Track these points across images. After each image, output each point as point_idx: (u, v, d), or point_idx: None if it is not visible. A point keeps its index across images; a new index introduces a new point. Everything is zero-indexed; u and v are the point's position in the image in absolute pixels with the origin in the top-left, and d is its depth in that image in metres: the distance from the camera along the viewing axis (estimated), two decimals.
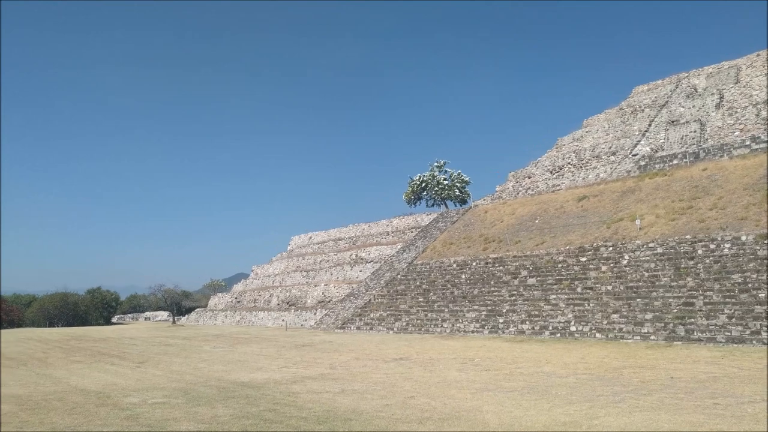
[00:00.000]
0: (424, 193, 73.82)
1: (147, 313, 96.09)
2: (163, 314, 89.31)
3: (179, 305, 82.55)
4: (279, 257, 77.02)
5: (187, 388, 15.67)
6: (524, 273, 36.13)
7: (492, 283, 37.34)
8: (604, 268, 32.07)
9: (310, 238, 77.08)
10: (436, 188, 72.14)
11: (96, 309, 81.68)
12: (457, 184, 72.27)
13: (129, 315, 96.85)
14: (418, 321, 37.94)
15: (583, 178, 47.49)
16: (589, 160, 49.28)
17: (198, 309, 77.37)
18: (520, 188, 53.09)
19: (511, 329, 31.57)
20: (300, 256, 71.61)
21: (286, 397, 13.82)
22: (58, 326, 72.13)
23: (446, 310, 37.29)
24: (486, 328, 33.00)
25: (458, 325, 34.79)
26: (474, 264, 40.79)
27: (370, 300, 45.43)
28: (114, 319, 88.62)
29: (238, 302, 68.83)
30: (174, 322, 75.05)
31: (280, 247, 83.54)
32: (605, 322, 27.95)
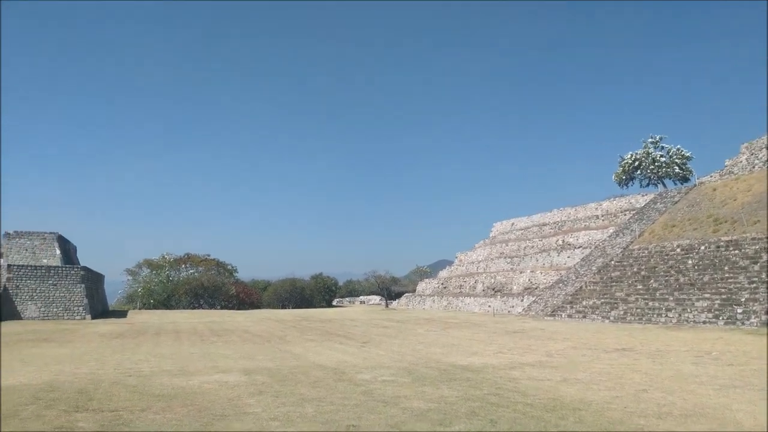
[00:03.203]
0: (638, 172, 68.28)
1: (362, 297, 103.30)
2: (376, 298, 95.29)
3: (389, 290, 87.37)
4: (482, 244, 77.34)
5: (411, 368, 16.52)
6: (766, 257, 31.60)
7: (726, 268, 33.29)
8: None
9: (513, 224, 76.15)
10: (652, 166, 66.24)
11: (319, 293, 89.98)
12: (676, 160, 65.57)
13: (346, 298, 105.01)
14: (638, 310, 35.33)
15: None
16: None
17: (407, 293, 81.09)
18: (756, 161, 46.39)
19: (752, 320, 27.86)
20: (503, 242, 71.10)
21: (507, 383, 13.86)
22: (288, 308, 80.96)
23: (671, 298, 34.17)
24: (721, 318, 29.55)
25: (686, 315, 31.67)
26: (702, 248, 36.74)
27: (581, 287, 43.47)
28: (334, 302, 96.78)
29: (444, 288, 70.65)
30: (387, 305, 79.63)
31: (481, 235, 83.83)
32: None
